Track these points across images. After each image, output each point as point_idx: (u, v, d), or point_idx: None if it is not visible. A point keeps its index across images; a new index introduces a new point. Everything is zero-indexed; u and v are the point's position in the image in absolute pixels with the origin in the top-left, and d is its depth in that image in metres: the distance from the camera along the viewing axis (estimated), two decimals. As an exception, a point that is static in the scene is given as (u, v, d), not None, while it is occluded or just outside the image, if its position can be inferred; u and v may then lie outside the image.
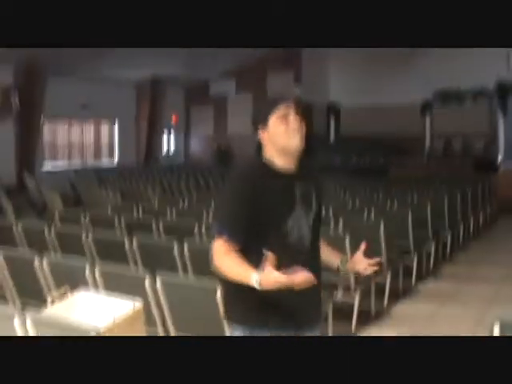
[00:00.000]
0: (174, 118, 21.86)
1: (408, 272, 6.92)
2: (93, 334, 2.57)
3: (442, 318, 5.88)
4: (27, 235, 6.15)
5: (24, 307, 4.52)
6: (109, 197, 10.54)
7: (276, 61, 19.67)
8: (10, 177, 15.43)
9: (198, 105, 22.28)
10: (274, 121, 2.53)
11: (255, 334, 2.45)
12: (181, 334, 3.82)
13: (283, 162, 2.53)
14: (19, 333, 2.82)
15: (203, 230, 6.01)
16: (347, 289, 5.47)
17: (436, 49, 17.74)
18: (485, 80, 17.59)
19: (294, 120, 2.52)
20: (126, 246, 5.23)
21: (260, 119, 2.57)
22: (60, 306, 3.15)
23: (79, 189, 12.93)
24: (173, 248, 4.94)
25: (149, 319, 3.58)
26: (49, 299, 3.22)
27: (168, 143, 22.66)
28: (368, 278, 5.44)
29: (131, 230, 6.23)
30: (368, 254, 2.64)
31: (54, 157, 18.60)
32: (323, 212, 2.91)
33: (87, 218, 7.00)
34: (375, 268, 2.63)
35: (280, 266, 2.23)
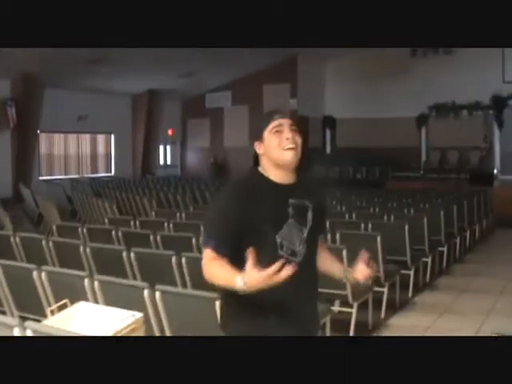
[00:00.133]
0: (170, 130, 21.90)
1: (405, 284, 6.94)
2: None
3: (439, 330, 5.89)
4: (25, 247, 6.15)
5: (22, 318, 4.52)
6: (105, 209, 10.54)
7: (272, 73, 19.74)
8: (7, 189, 15.44)
9: (194, 117, 22.33)
10: (268, 133, 2.51)
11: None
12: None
13: (278, 174, 2.52)
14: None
15: (201, 242, 6.01)
16: (345, 301, 5.50)
17: (432, 61, 17.91)
18: (480, 93, 17.66)
19: (287, 133, 2.50)
20: (124, 258, 5.23)
21: (256, 132, 2.56)
22: (60, 317, 3.16)
23: (75, 201, 12.94)
24: (171, 260, 4.95)
25: (147, 330, 3.58)
26: (48, 310, 3.23)
27: (164, 155, 22.70)
28: (366, 289, 5.47)
29: (129, 242, 6.25)
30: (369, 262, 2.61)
31: (51, 169, 18.59)
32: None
33: (85, 231, 7.00)
34: (372, 275, 2.61)
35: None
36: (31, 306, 4.64)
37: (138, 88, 19.26)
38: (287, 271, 2.16)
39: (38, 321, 3.29)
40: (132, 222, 7.82)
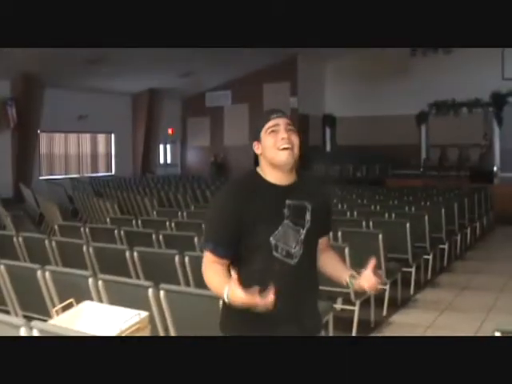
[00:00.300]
0: (170, 129, 21.93)
1: (406, 282, 6.97)
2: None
3: (441, 327, 5.91)
4: (28, 247, 6.18)
5: (26, 318, 4.54)
6: (107, 209, 10.56)
7: (272, 71, 19.76)
8: (7, 188, 15.46)
9: (194, 116, 22.35)
10: (264, 133, 2.49)
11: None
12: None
13: (275, 175, 2.49)
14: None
15: (200, 243, 6.02)
16: (347, 298, 5.52)
17: (432, 59, 17.93)
18: (480, 90, 17.68)
19: (283, 133, 2.46)
20: (127, 257, 5.25)
21: (254, 132, 2.54)
22: (65, 316, 3.18)
23: (76, 201, 12.96)
24: (174, 259, 4.97)
25: (152, 330, 3.60)
26: (54, 310, 3.25)
27: (165, 154, 22.72)
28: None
29: (131, 241, 6.27)
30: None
31: (51, 168, 18.62)
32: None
33: (87, 230, 7.02)
34: (379, 287, 2.55)
35: (266, 280, 2.25)
36: (35, 306, 4.66)
37: (138, 87, 19.29)
38: (268, 300, 2.18)
39: (43, 320, 3.30)
40: (134, 222, 7.84)
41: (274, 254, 2.44)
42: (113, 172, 20.43)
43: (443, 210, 8.52)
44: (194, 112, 22.31)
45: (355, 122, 19.97)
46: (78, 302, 3.36)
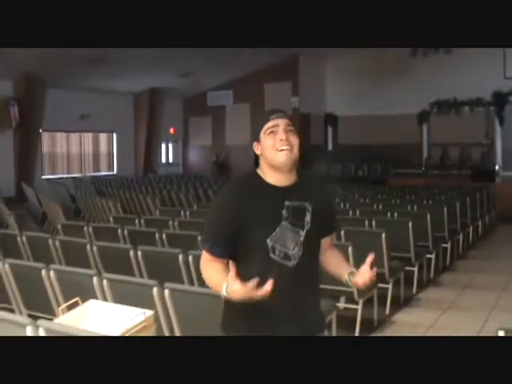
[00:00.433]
0: (172, 128, 21.94)
1: (409, 281, 6.98)
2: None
3: (444, 326, 5.92)
4: (31, 246, 6.19)
5: (31, 317, 4.55)
6: (109, 208, 10.57)
7: (273, 71, 19.77)
8: (9, 188, 15.49)
9: (196, 115, 22.36)
10: (263, 134, 2.47)
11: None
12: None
13: (274, 176, 2.48)
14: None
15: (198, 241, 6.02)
16: (350, 297, 5.54)
17: (433, 58, 17.93)
18: (481, 90, 17.68)
19: (281, 134, 2.44)
20: (131, 256, 5.26)
21: (254, 132, 2.53)
22: (71, 315, 3.19)
23: (79, 200, 12.98)
24: (178, 258, 4.98)
25: (156, 328, 3.61)
26: (60, 309, 3.27)
27: (166, 154, 22.74)
28: (371, 286, 5.50)
29: (134, 241, 6.28)
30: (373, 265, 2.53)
31: (53, 168, 18.65)
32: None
33: (90, 229, 7.03)
34: (369, 282, 2.47)
35: (264, 280, 2.22)
36: (40, 305, 4.68)
37: (139, 87, 19.31)
38: (265, 290, 2.18)
39: (48, 319, 3.31)
40: (137, 221, 7.85)
41: (272, 256, 2.42)
42: (115, 171, 20.46)
43: (445, 209, 8.53)
44: (195, 111, 22.32)
45: (357, 121, 19.97)
46: (83, 300, 3.37)
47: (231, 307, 2.44)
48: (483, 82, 17.38)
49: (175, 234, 6.58)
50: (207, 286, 2.54)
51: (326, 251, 2.69)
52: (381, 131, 19.28)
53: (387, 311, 6.24)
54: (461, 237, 9.33)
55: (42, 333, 2.82)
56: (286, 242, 2.44)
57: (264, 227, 2.42)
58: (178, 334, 3.89)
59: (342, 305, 5.78)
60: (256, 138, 2.51)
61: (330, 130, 21.49)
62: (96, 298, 4.00)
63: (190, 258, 4.95)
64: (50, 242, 5.99)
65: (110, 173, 20.25)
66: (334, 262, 2.67)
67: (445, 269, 8.38)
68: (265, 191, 2.46)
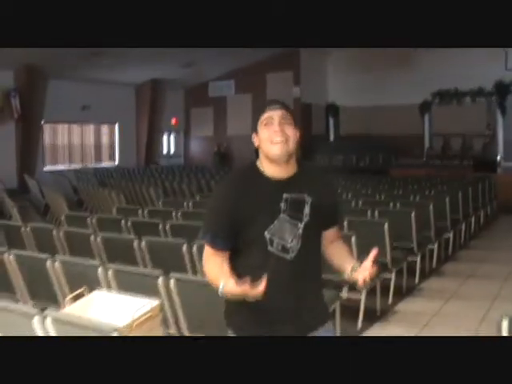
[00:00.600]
0: (173, 119, 21.94)
1: (412, 270, 7.00)
2: (114, 333, 2.62)
3: (446, 315, 5.95)
4: (36, 237, 6.21)
5: (37, 308, 4.58)
6: (112, 199, 10.59)
7: (275, 61, 19.73)
8: (12, 179, 15.51)
9: (197, 106, 22.34)
10: (260, 126, 2.45)
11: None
12: (194, 333, 3.87)
13: (272, 168, 2.45)
14: (38, 332, 2.87)
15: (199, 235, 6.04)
16: (353, 287, 5.55)
17: (435, 49, 17.86)
18: (483, 80, 17.64)
19: (276, 126, 2.40)
20: (135, 246, 5.28)
21: (253, 124, 2.50)
22: (77, 305, 3.21)
23: (81, 191, 13.00)
24: (181, 249, 5.00)
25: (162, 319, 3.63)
26: (66, 299, 3.28)
27: (168, 145, 22.74)
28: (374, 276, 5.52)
29: (138, 231, 6.29)
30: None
31: (55, 159, 18.66)
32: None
33: (94, 220, 7.05)
34: (367, 279, 2.42)
35: (262, 275, 2.22)
36: (45, 295, 4.71)
37: (140, 78, 19.28)
38: (259, 289, 2.19)
39: (53, 310, 3.33)
40: (140, 212, 7.87)
41: (270, 248, 2.42)
42: (116, 162, 20.47)
43: (447, 199, 8.54)
44: (197, 102, 22.30)
45: (358, 111, 19.94)
46: (88, 291, 3.39)
47: (236, 304, 2.44)
48: (485, 73, 17.32)
49: (179, 225, 6.58)
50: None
51: (330, 244, 2.66)
52: (382, 122, 19.24)
53: (390, 301, 6.25)
54: (463, 227, 9.34)
55: (49, 323, 2.85)
56: (283, 235, 2.42)
57: (262, 220, 2.41)
58: (182, 323, 3.92)
59: (345, 295, 5.79)
60: (255, 129, 2.49)
61: (331, 120, 21.44)
62: (101, 288, 4.02)
63: (194, 248, 4.97)
64: (55, 232, 6.02)
65: (112, 164, 20.26)
66: (337, 255, 2.64)
67: (447, 259, 8.40)
68: (263, 183, 2.45)
